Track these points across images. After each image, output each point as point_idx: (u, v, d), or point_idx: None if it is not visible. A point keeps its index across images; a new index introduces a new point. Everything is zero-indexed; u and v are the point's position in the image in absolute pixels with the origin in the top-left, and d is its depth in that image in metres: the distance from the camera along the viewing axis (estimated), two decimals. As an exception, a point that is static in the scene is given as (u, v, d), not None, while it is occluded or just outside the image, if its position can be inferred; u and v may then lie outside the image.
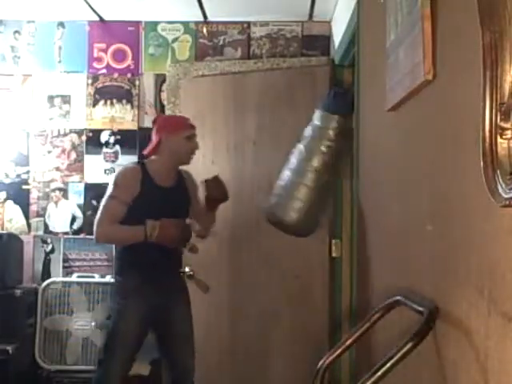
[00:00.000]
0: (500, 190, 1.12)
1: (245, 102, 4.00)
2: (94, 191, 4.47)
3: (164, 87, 4.47)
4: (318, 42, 4.48)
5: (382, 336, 2.27)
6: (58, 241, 4.51)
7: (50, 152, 4.55)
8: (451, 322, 1.53)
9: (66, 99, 4.56)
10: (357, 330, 2.08)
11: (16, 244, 4.33)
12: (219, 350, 3.98)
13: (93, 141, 4.54)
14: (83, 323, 4.31)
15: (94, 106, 4.55)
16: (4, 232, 4.37)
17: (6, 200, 4.53)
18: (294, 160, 3.43)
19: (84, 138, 4.54)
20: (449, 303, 1.55)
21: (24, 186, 4.54)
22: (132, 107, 4.52)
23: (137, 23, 4.56)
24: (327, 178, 3.39)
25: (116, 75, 4.56)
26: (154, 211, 3.08)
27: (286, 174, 3.42)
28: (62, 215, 4.52)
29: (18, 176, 4.55)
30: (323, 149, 3.33)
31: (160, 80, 4.51)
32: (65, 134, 4.55)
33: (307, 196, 3.33)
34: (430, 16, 1.68)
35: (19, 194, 4.53)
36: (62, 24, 4.57)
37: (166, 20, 4.54)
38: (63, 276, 4.45)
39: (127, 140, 4.52)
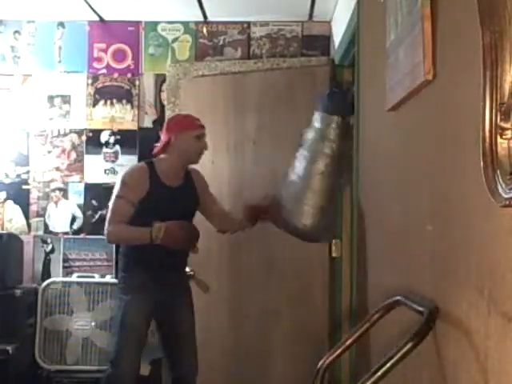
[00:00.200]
0: (500, 190, 1.12)
1: (245, 102, 4.00)
2: (93, 191, 4.47)
3: (164, 87, 4.47)
4: (318, 42, 4.48)
5: (382, 336, 2.27)
6: (58, 241, 4.51)
7: (50, 152, 4.55)
8: (451, 321, 1.53)
9: (65, 99, 4.56)
10: (357, 330, 2.08)
11: (16, 244, 4.33)
12: (219, 349, 3.98)
13: (93, 141, 4.54)
14: (83, 323, 4.31)
15: (94, 105, 4.55)
16: (4, 232, 4.36)
17: (6, 200, 4.53)
18: (298, 165, 3.39)
19: (84, 138, 4.54)
20: (449, 303, 1.55)
21: (24, 186, 4.54)
22: (132, 107, 4.52)
23: (137, 23, 4.56)
24: (333, 181, 3.35)
25: (116, 75, 4.56)
26: (161, 211, 3.10)
27: (293, 181, 3.37)
28: (61, 215, 4.52)
29: (18, 176, 4.54)
30: (327, 151, 3.31)
31: (160, 80, 4.51)
32: (65, 134, 4.55)
33: (316, 200, 3.28)
34: (429, 16, 1.68)
35: (19, 194, 4.53)
36: (62, 24, 4.57)
37: (165, 20, 4.54)
38: (63, 276, 4.45)
39: (127, 140, 4.52)
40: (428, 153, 1.78)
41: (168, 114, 4.31)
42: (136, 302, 3.13)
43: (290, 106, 3.87)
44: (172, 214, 3.09)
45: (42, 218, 4.52)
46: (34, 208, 4.53)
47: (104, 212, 4.10)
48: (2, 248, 4.10)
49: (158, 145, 3.28)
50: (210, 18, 4.48)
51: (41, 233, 4.52)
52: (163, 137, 3.27)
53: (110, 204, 3.17)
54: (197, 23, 4.54)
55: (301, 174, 3.31)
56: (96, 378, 3.97)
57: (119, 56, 4.57)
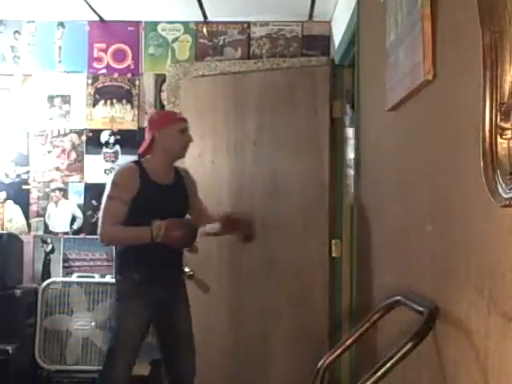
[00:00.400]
0: (500, 190, 1.12)
1: (245, 102, 4.00)
2: (93, 191, 4.47)
3: (164, 87, 4.47)
4: (318, 42, 4.48)
5: (382, 336, 2.27)
6: (58, 241, 4.51)
7: (50, 152, 4.55)
8: (451, 321, 1.53)
9: (65, 99, 4.56)
10: (357, 330, 2.08)
11: (16, 244, 4.33)
12: (219, 349, 3.98)
13: (93, 141, 4.54)
14: (83, 323, 4.31)
15: (94, 105, 4.55)
16: (4, 232, 4.36)
17: (6, 200, 4.53)
18: None
19: (84, 138, 4.54)
20: (449, 303, 1.55)
21: (24, 186, 4.54)
22: (132, 107, 4.52)
23: (137, 23, 4.56)
24: None
25: (116, 75, 4.56)
26: (153, 209, 3.07)
27: None
28: (62, 215, 4.52)
29: (18, 176, 4.55)
30: None
31: (160, 80, 4.51)
32: (65, 134, 4.55)
33: None
34: (429, 16, 1.69)
35: (19, 194, 4.53)
36: (62, 24, 4.57)
37: (165, 20, 4.53)
38: (63, 276, 4.45)
39: (127, 140, 4.52)
40: (428, 153, 1.78)
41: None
42: (132, 310, 3.09)
43: (289, 106, 3.86)
44: (164, 212, 3.07)
45: (41, 218, 4.52)
46: (33, 208, 4.53)
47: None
48: (2, 248, 4.10)
49: (143, 145, 3.27)
50: (210, 18, 4.48)
51: (41, 233, 4.52)
52: (147, 136, 3.25)
53: (103, 206, 3.12)
54: (197, 23, 4.54)
55: None
56: (96, 378, 3.96)
57: (119, 56, 4.57)
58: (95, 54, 4.57)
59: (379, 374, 1.60)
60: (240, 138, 4.01)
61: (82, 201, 4.51)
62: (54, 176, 4.53)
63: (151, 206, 3.09)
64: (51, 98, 4.56)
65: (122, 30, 4.57)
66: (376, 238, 2.63)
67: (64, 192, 4.53)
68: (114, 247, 3.86)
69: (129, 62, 4.56)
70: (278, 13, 4.37)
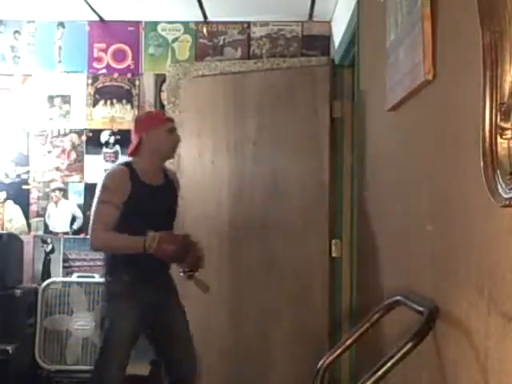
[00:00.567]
0: (500, 190, 1.12)
1: (245, 102, 4.00)
2: (94, 191, 4.43)
3: (164, 87, 4.47)
4: (318, 42, 4.48)
5: (382, 336, 2.27)
6: (58, 241, 4.51)
7: (50, 152, 4.55)
8: (451, 321, 1.53)
9: (65, 99, 4.56)
10: (357, 330, 2.08)
11: (16, 244, 4.32)
12: (219, 350, 3.98)
13: (93, 141, 4.54)
14: (83, 323, 4.31)
15: (94, 105, 4.55)
16: (4, 232, 4.36)
17: (6, 200, 4.53)
18: None
19: (84, 138, 4.54)
20: (449, 303, 1.55)
21: (24, 186, 4.54)
22: (132, 107, 4.52)
23: (137, 23, 4.56)
24: None
25: (116, 75, 4.56)
26: (145, 210, 3.04)
27: None
28: (61, 215, 4.52)
29: (18, 176, 4.54)
30: None
31: (160, 80, 4.51)
32: (65, 134, 4.55)
33: None
34: (429, 16, 1.69)
35: (19, 194, 4.53)
36: (62, 24, 4.57)
37: (166, 20, 4.53)
38: (63, 276, 4.45)
39: (127, 140, 4.47)
40: (428, 153, 1.78)
41: (168, 114, 4.31)
42: (123, 313, 3.05)
43: (290, 106, 3.86)
44: (155, 213, 3.04)
45: (42, 218, 4.52)
46: (34, 208, 4.53)
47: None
48: (2, 248, 4.10)
49: (130, 147, 3.24)
50: (210, 18, 4.48)
51: (41, 233, 4.52)
52: (134, 137, 3.21)
53: (94, 210, 3.07)
54: (197, 23, 4.54)
55: None
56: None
57: (119, 56, 4.57)
58: (95, 54, 4.57)
59: (379, 373, 1.60)
60: (240, 138, 4.01)
61: (82, 201, 4.51)
62: (54, 176, 4.53)
63: (142, 207, 3.05)
64: (51, 98, 4.56)
65: (121, 30, 4.57)
66: (376, 238, 2.63)
67: (64, 192, 4.53)
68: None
69: (129, 61, 4.56)
70: (278, 13, 4.37)
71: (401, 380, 1.85)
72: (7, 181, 4.54)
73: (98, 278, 4.36)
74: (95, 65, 4.57)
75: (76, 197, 4.53)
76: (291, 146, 3.86)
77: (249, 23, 4.52)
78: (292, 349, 3.82)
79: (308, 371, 2.22)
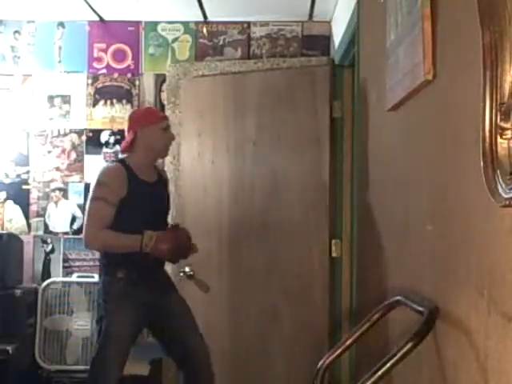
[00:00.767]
0: (500, 190, 1.12)
1: (245, 102, 4.00)
2: (93, 191, 4.46)
3: (164, 87, 4.47)
4: (318, 42, 4.47)
5: (382, 336, 2.27)
6: (58, 241, 4.51)
7: (50, 152, 4.54)
8: (451, 321, 1.53)
9: (65, 99, 4.56)
10: (357, 330, 2.08)
11: (16, 244, 4.32)
12: (219, 349, 3.97)
13: (93, 141, 4.53)
14: (83, 323, 4.31)
15: (94, 106, 4.55)
16: (4, 232, 4.36)
17: (6, 200, 4.53)
18: None
19: (84, 138, 4.54)
20: (449, 303, 1.55)
21: (24, 186, 4.54)
22: (132, 107, 4.52)
23: (137, 23, 4.56)
24: None
25: (116, 75, 4.56)
26: (142, 207, 3.03)
27: None
28: (61, 215, 4.52)
29: (18, 176, 4.54)
30: None
31: (160, 80, 4.51)
32: (65, 134, 4.55)
33: None
34: (429, 16, 1.69)
35: (19, 194, 4.53)
36: (62, 24, 4.57)
37: (166, 20, 4.53)
38: (63, 276, 4.45)
39: (127, 140, 4.51)
40: (428, 153, 1.78)
41: (168, 114, 4.31)
42: (121, 311, 3.03)
43: (290, 106, 3.87)
44: (151, 210, 3.05)
45: (42, 218, 4.52)
46: (34, 208, 4.53)
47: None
48: (2, 248, 4.10)
49: (123, 143, 3.22)
50: (210, 18, 4.48)
51: (41, 233, 4.52)
52: (128, 134, 3.19)
53: (89, 208, 3.04)
54: (197, 23, 4.54)
55: None
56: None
57: (119, 56, 4.57)
58: (95, 54, 4.57)
59: (379, 373, 1.60)
60: (240, 138, 4.01)
61: (82, 201, 4.51)
62: (53, 176, 4.53)
63: (140, 203, 3.04)
64: (51, 98, 4.55)
65: (121, 30, 4.57)
66: (376, 238, 2.63)
67: (64, 192, 4.53)
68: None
69: (129, 61, 4.56)
70: (278, 13, 4.37)
71: (401, 380, 1.85)
72: (7, 181, 4.54)
73: (97, 278, 4.37)
74: (95, 65, 4.57)
75: (76, 197, 4.52)
76: (291, 146, 3.86)
77: (249, 23, 4.52)
78: (292, 349, 3.82)
79: (308, 371, 2.22)
